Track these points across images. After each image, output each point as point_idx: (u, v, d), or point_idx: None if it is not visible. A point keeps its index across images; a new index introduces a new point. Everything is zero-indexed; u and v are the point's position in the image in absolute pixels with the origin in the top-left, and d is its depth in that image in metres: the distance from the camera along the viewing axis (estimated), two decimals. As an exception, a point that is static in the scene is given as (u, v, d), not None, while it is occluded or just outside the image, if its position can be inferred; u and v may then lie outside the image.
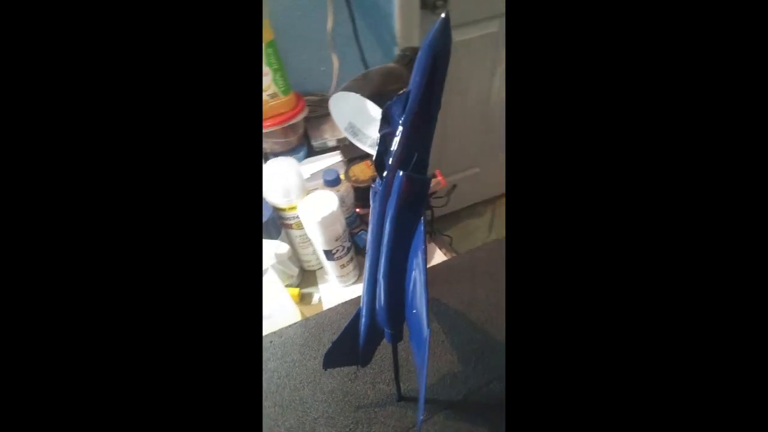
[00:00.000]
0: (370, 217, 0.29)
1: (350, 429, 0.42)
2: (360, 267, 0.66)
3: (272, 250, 0.48)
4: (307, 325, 0.52)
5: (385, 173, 0.26)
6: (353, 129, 0.60)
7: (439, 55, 0.23)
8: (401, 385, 0.43)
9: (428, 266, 0.66)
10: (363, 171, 0.69)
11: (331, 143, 0.78)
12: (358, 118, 0.58)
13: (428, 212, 0.84)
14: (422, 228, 0.27)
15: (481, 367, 0.46)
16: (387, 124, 0.25)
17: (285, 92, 0.69)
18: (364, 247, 0.63)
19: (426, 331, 0.27)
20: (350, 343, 0.38)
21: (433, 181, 0.73)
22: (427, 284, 0.27)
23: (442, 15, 0.22)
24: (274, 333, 0.51)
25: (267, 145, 0.75)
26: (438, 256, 0.71)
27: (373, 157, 0.26)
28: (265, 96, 0.68)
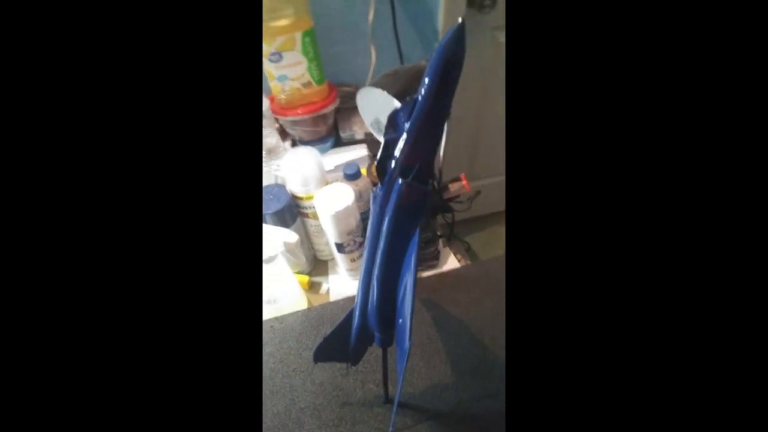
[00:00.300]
0: (369, 219, 0.29)
1: (334, 424, 0.42)
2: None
3: (282, 238, 0.49)
4: (309, 315, 0.52)
5: (385, 179, 0.26)
6: (379, 125, 0.60)
7: (451, 62, 0.22)
8: (391, 388, 0.43)
9: (440, 272, 0.65)
10: (385, 168, 0.68)
11: (359, 136, 0.78)
12: (385, 114, 0.58)
13: (449, 216, 0.83)
14: (417, 238, 0.26)
15: (476, 382, 0.45)
16: (392, 129, 0.25)
17: (318, 82, 0.70)
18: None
19: (407, 343, 0.26)
20: (342, 340, 0.38)
21: (457, 185, 0.71)
22: (415, 296, 0.26)
23: (459, 20, 0.21)
24: (276, 318, 0.52)
25: (295, 132, 0.76)
26: (451, 262, 0.70)
27: (375, 161, 0.26)
28: (297, 84, 0.69)
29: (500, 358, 0.47)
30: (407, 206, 0.25)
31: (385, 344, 0.35)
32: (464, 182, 0.72)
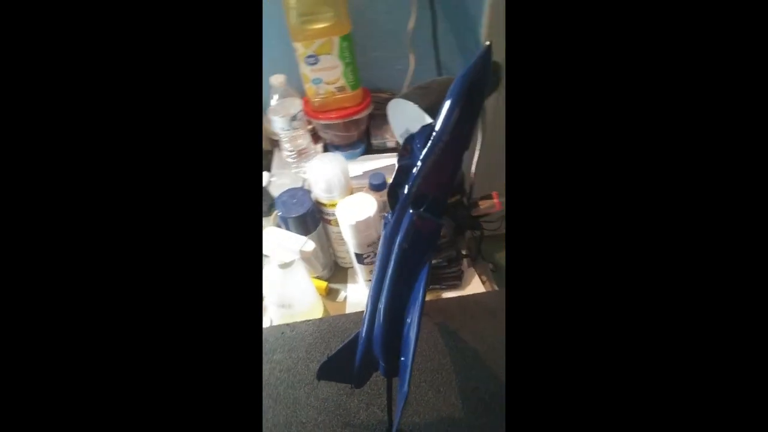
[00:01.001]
0: (379, 244, 0.27)
1: (333, 445, 0.41)
2: (390, 276, 0.65)
3: (298, 245, 0.49)
4: (321, 325, 0.51)
5: (397, 206, 0.24)
6: (409, 136, 0.58)
7: (475, 88, 0.20)
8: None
9: (461, 294, 0.62)
10: (414, 179, 0.66)
11: (390, 144, 0.77)
12: (415, 126, 0.56)
13: (477, 233, 0.79)
14: (426, 273, 0.24)
15: (485, 421, 0.42)
16: (407, 155, 0.23)
17: (353, 87, 0.69)
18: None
19: (406, 387, 0.24)
20: (347, 361, 0.36)
21: (488, 203, 0.68)
22: (419, 335, 0.24)
23: (486, 43, 0.19)
24: (288, 325, 0.52)
25: (327, 136, 0.76)
26: (475, 284, 0.67)
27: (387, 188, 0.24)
28: (332, 88, 0.68)
29: (516, 396, 0.43)
30: (417, 239, 0.23)
31: (390, 374, 0.33)
32: (495, 200, 0.68)
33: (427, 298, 0.65)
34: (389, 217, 0.25)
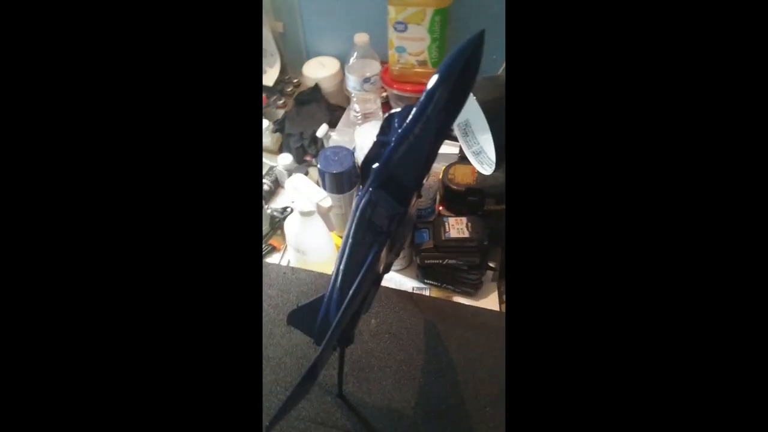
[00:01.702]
0: (350, 214, 0.27)
1: (285, 387, 0.43)
2: (408, 257, 0.64)
3: (317, 199, 0.50)
4: (319, 279, 0.53)
5: (366, 182, 0.23)
6: (466, 128, 0.55)
7: (465, 71, 0.18)
8: (350, 386, 0.42)
9: (471, 303, 0.59)
10: (463, 174, 0.63)
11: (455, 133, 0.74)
12: (474, 118, 0.52)
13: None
14: (372, 256, 0.24)
15: (432, 428, 0.41)
16: (386, 132, 0.22)
17: (435, 64, 0.67)
18: (419, 243, 0.59)
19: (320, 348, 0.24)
20: (313, 316, 0.38)
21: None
22: (344, 314, 0.24)
23: (482, 29, 0.17)
24: (292, 268, 0.55)
25: (398, 107, 0.75)
26: (490, 300, 0.63)
27: (361, 160, 0.23)
28: (413, 60, 0.66)
29: (471, 416, 0.41)
30: (371, 219, 0.23)
31: (341, 342, 0.34)
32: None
33: (436, 294, 0.63)
34: (359, 191, 0.24)
